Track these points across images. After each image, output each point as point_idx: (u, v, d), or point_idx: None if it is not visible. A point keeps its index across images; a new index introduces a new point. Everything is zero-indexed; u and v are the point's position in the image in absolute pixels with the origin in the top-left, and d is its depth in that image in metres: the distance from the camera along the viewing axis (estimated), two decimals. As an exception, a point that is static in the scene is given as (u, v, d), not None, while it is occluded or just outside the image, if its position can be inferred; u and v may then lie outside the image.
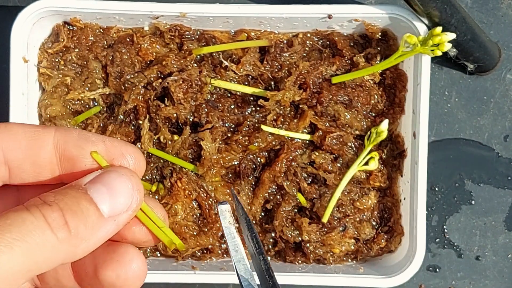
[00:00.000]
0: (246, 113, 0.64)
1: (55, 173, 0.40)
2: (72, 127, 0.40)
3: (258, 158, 0.64)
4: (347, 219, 0.64)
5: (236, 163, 0.64)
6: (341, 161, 0.64)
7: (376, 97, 0.64)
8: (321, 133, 0.63)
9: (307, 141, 0.65)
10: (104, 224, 0.38)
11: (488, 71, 0.68)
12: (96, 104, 0.65)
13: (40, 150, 0.39)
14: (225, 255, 0.65)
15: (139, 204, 0.40)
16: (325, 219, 0.63)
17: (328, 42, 0.65)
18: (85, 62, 0.64)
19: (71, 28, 0.64)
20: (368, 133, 0.62)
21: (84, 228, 0.37)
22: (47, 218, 0.36)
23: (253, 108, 0.65)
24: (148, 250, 0.65)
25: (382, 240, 0.64)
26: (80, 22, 0.63)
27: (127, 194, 0.39)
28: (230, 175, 0.65)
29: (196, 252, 0.65)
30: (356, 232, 0.64)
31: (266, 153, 0.65)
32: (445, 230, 0.68)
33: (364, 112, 0.64)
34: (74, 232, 0.36)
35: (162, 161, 0.64)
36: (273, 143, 0.64)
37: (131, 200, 0.39)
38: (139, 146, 0.63)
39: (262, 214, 0.65)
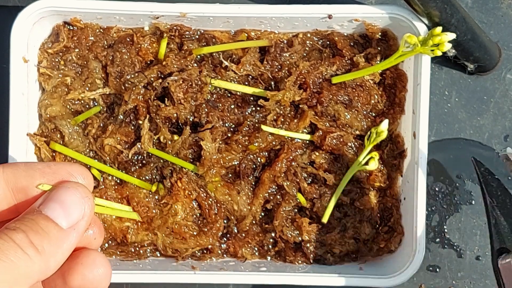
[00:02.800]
0: (246, 113, 0.64)
1: (11, 206, 0.44)
2: (16, 162, 0.45)
3: (258, 158, 0.64)
4: (347, 219, 0.64)
5: (236, 163, 0.64)
6: (341, 161, 0.64)
7: (376, 97, 0.64)
8: (321, 133, 0.63)
9: (307, 141, 0.65)
10: (66, 236, 0.42)
11: (488, 71, 0.68)
12: (96, 104, 0.65)
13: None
14: (225, 255, 0.65)
15: (92, 209, 0.43)
16: (325, 219, 0.62)
17: (328, 42, 0.65)
18: (85, 62, 0.64)
19: (71, 28, 0.64)
20: (368, 133, 0.62)
21: (48, 244, 0.41)
22: (15, 240, 0.39)
23: (253, 108, 0.65)
24: (148, 250, 0.65)
25: (382, 240, 0.64)
26: (80, 22, 0.63)
27: (78, 204, 0.43)
28: (230, 175, 0.65)
29: (196, 252, 0.65)
30: (356, 232, 0.64)
31: (266, 153, 0.65)
32: (445, 230, 0.68)
33: (364, 112, 0.64)
34: (41, 249, 0.40)
35: (162, 161, 0.64)
36: (273, 143, 0.64)
37: (83, 207, 0.43)
38: (139, 146, 0.64)
39: (262, 214, 0.65)
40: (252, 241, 0.65)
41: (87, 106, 0.65)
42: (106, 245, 0.65)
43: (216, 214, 0.64)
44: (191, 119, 0.64)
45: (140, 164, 0.65)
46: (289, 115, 0.64)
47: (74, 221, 0.42)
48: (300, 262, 0.64)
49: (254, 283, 0.62)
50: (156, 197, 0.64)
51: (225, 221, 0.65)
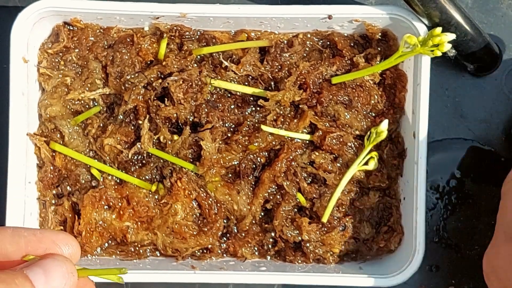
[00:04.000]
0: (246, 113, 0.65)
1: None
2: (4, 227, 0.46)
3: (258, 158, 0.64)
4: (347, 219, 0.64)
5: (236, 163, 0.64)
6: (341, 161, 0.64)
7: (376, 97, 0.64)
8: (321, 133, 0.63)
9: (307, 141, 0.65)
10: None
11: (488, 71, 0.68)
12: (96, 104, 0.65)
13: None
14: (225, 255, 0.65)
15: (73, 286, 0.43)
16: (325, 219, 0.63)
17: (328, 43, 0.65)
18: (85, 62, 0.64)
19: (71, 28, 0.64)
20: (368, 133, 0.62)
21: None
22: None
23: (253, 108, 0.65)
24: (148, 250, 0.65)
25: (382, 240, 0.64)
26: (80, 23, 0.63)
27: (62, 277, 0.43)
28: (230, 175, 0.65)
29: (196, 251, 0.65)
30: (356, 232, 0.64)
31: (266, 153, 0.65)
32: (445, 230, 0.68)
33: (364, 112, 0.64)
34: None
35: (162, 161, 0.64)
36: (273, 143, 0.64)
37: (65, 281, 0.43)
38: (139, 146, 0.64)
39: (262, 214, 0.65)
40: (252, 240, 0.65)
41: (87, 106, 0.65)
42: (106, 244, 0.65)
43: (216, 214, 0.64)
44: (191, 119, 0.64)
45: (140, 164, 0.65)
46: (289, 115, 0.64)
47: None
48: (300, 261, 0.64)
49: (254, 283, 0.62)
50: (156, 197, 0.64)
51: (225, 221, 0.65)
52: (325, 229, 0.64)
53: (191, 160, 0.64)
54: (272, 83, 0.65)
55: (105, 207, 0.64)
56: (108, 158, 0.64)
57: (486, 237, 0.68)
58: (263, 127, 0.63)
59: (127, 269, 0.46)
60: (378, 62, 0.64)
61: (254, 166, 0.65)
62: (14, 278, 0.41)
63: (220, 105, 0.64)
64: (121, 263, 0.64)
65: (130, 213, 0.64)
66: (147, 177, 0.65)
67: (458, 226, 0.68)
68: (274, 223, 0.64)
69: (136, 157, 0.64)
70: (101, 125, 0.65)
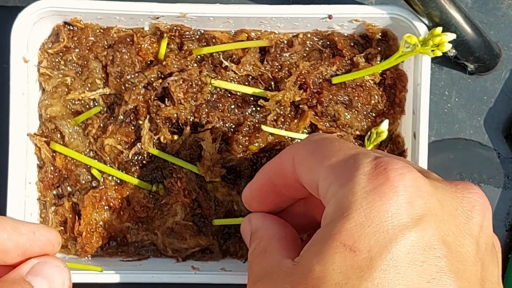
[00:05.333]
0: (246, 113, 0.65)
1: None
2: (7, 218, 0.49)
3: (259, 159, 0.64)
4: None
5: (236, 163, 0.64)
6: (341, 161, 0.64)
7: (376, 97, 0.64)
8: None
9: (307, 141, 0.65)
10: None
11: (488, 71, 0.68)
12: (96, 104, 0.65)
13: None
14: (225, 255, 0.65)
15: None
16: (325, 219, 0.62)
17: (328, 42, 0.65)
18: (85, 62, 0.64)
19: (72, 28, 0.64)
20: (368, 133, 0.62)
21: None
22: None
23: (253, 108, 0.65)
24: (148, 250, 0.65)
25: (382, 240, 0.64)
26: (80, 22, 0.63)
27: (62, 284, 0.49)
28: (231, 175, 0.65)
29: (196, 252, 0.65)
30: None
31: (267, 153, 0.65)
32: (445, 230, 0.68)
33: (364, 112, 0.64)
34: None
35: (162, 161, 0.64)
36: (274, 143, 0.64)
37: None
38: (139, 146, 0.64)
39: (262, 214, 0.65)
40: (252, 241, 0.65)
41: (87, 106, 0.65)
42: (106, 245, 0.65)
43: (216, 214, 0.64)
44: (191, 119, 0.64)
45: (140, 164, 0.65)
46: (289, 115, 0.64)
47: None
48: (300, 262, 0.64)
49: (254, 283, 0.62)
50: (156, 197, 0.64)
51: (225, 221, 0.65)
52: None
53: (192, 160, 0.64)
54: (272, 83, 0.65)
55: (106, 207, 0.64)
56: (108, 158, 0.64)
57: (486, 237, 0.68)
58: (263, 127, 0.63)
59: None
60: (378, 62, 0.64)
61: (254, 166, 0.64)
62: (22, 286, 0.45)
63: (220, 105, 0.64)
64: (121, 264, 0.64)
65: (131, 214, 0.64)
66: (147, 177, 0.65)
67: (458, 226, 0.68)
68: (274, 223, 0.64)
69: (136, 157, 0.64)
70: (102, 125, 0.65)
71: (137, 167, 0.65)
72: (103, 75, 0.64)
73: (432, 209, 0.42)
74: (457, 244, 0.42)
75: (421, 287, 0.41)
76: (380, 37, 0.64)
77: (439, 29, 0.57)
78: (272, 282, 0.45)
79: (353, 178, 0.44)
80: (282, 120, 0.64)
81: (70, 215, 0.64)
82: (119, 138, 0.64)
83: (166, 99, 0.63)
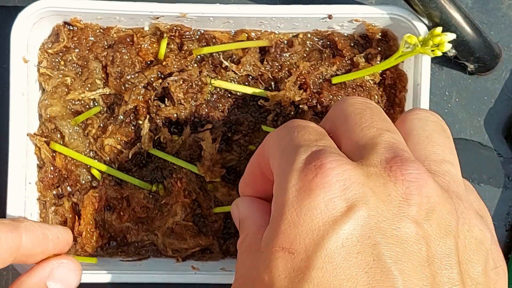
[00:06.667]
0: (247, 113, 0.65)
1: (6, 264, 0.50)
2: (37, 223, 0.53)
3: (258, 158, 0.64)
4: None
5: (236, 163, 0.64)
6: (341, 161, 0.64)
7: (376, 97, 0.64)
8: (321, 133, 0.63)
9: (307, 141, 0.64)
10: None
11: (488, 71, 0.68)
12: (96, 104, 0.65)
13: (10, 255, 0.50)
14: (225, 255, 0.65)
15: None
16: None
17: (328, 42, 0.65)
18: (85, 62, 0.64)
19: (71, 28, 0.64)
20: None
21: None
22: None
23: (253, 108, 0.65)
24: (148, 250, 0.65)
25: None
26: (80, 23, 0.63)
27: (77, 283, 0.54)
28: (231, 175, 0.65)
29: (196, 252, 0.65)
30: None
31: (266, 153, 0.65)
32: (445, 230, 0.68)
33: (364, 112, 0.64)
34: None
35: (162, 161, 0.64)
36: (273, 143, 0.64)
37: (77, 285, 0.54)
38: (139, 146, 0.64)
39: (262, 214, 0.65)
40: (252, 241, 0.65)
41: (87, 106, 0.65)
42: (106, 245, 0.65)
43: (216, 214, 0.64)
44: (191, 119, 0.64)
45: (140, 164, 0.65)
46: (289, 115, 0.64)
47: None
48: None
49: (254, 283, 0.62)
50: (156, 197, 0.64)
51: (225, 221, 0.65)
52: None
53: (191, 160, 0.64)
54: (272, 83, 0.65)
55: (106, 207, 0.64)
56: (108, 158, 0.64)
57: (487, 237, 0.68)
58: (263, 127, 0.63)
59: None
60: (378, 62, 0.64)
61: (254, 166, 0.64)
62: None
63: (220, 105, 0.64)
64: (121, 264, 0.64)
65: (130, 214, 0.64)
66: (147, 177, 0.65)
67: (458, 226, 0.68)
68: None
69: (136, 157, 0.64)
70: (101, 125, 0.65)
71: (137, 167, 0.65)
72: (103, 75, 0.65)
73: (363, 198, 0.42)
74: (392, 229, 0.41)
75: (360, 277, 0.40)
76: (380, 37, 0.64)
77: (439, 29, 0.57)
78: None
79: (286, 176, 0.44)
80: (282, 120, 0.64)
81: (70, 215, 0.64)
82: (119, 138, 0.64)
83: (166, 99, 0.63)
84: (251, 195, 0.54)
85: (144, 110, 0.64)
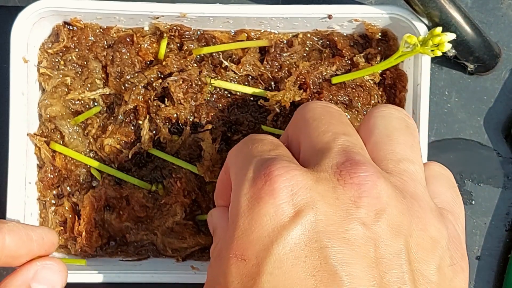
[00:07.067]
0: (247, 113, 0.65)
1: None
2: (20, 224, 0.52)
3: (258, 158, 0.64)
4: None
5: (236, 163, 0.64)
6: (341, 161, 0.64)
7: (376, 97, 0.64)
8: (321, 133, 0.63)
9: (307, 141, 0.64)
10: None
11: (488, 71, 0.68)
12: (96, 104, 0.65)
13: None
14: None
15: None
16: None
17: (328, 42, 0.65)
18: (85, 62, 0.64)
19: (71, 28, 0.64)
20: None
21: None
22: None
23: (253, 108, 0.65)
24: (148, 250, 0.65)
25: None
26: (80, 22, 0.63)
27: (62, 285, 0.53)
28: (230, 175, 0.65)
29: (196, 251, 0.65)
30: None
31: (266, 153, 0.65)
32: (445, 230, 0.68)
33: (365, 112, 0.64)
34: None
35: (161, 161, 0.64)
36: (273, 143, 0.64)
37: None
38: (139, 146, 0.64)
39: (262, 214, 0.65)
40: (252, 241, 0.64)
41: (87, 106, 0.65)
42: (106, 245, 0.65)
43: (216, 214, 0.64)
44: (191, 119, 0.64)
45: (140, 164, 0.65)
46: (289, 115, 0.64)
47: None
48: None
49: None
50: (156, 197, 0.64)
51: (225, 221, 0.65)
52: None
53: (191, 160, 0.64)
54: (272, 83, 0.65)
55: (105, 207, 0.64)
56: (108, 158, 0.64)
57: (486, 237, 0.68)
58: (263, 127, 0.63)
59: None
60: (378, 62, 0.64)
61: (254, 166, 0.64)
62: None
63: (220, 105, 0.64)
64: (121, 264, 0.64)
65: (130, 213, 0.64)
66: (146, 177, 0.65)
67: (458, 226, 0.68)
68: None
69: (136, 157, 0.64)
70: (101, 125, 0.65)
71: (137, 167, 0.65)
72: (103, 75, 0.65)
73: (311, 203, 0.43)
74: (340, 231, 0.42)
75: (307, 281, 0.41)
76: (380, 37, 0.64)
77: (439, 29, 0.57)
78: None
79: (240, 185, 0.45)
80: (282, 120, 0.64)
81: (70, 215, 0.64)
82: (119, 138, 0.64)
83: (166, 99, 0.63)
84: (222, 205, 0.55)
85: (144, 110, 0.64)
